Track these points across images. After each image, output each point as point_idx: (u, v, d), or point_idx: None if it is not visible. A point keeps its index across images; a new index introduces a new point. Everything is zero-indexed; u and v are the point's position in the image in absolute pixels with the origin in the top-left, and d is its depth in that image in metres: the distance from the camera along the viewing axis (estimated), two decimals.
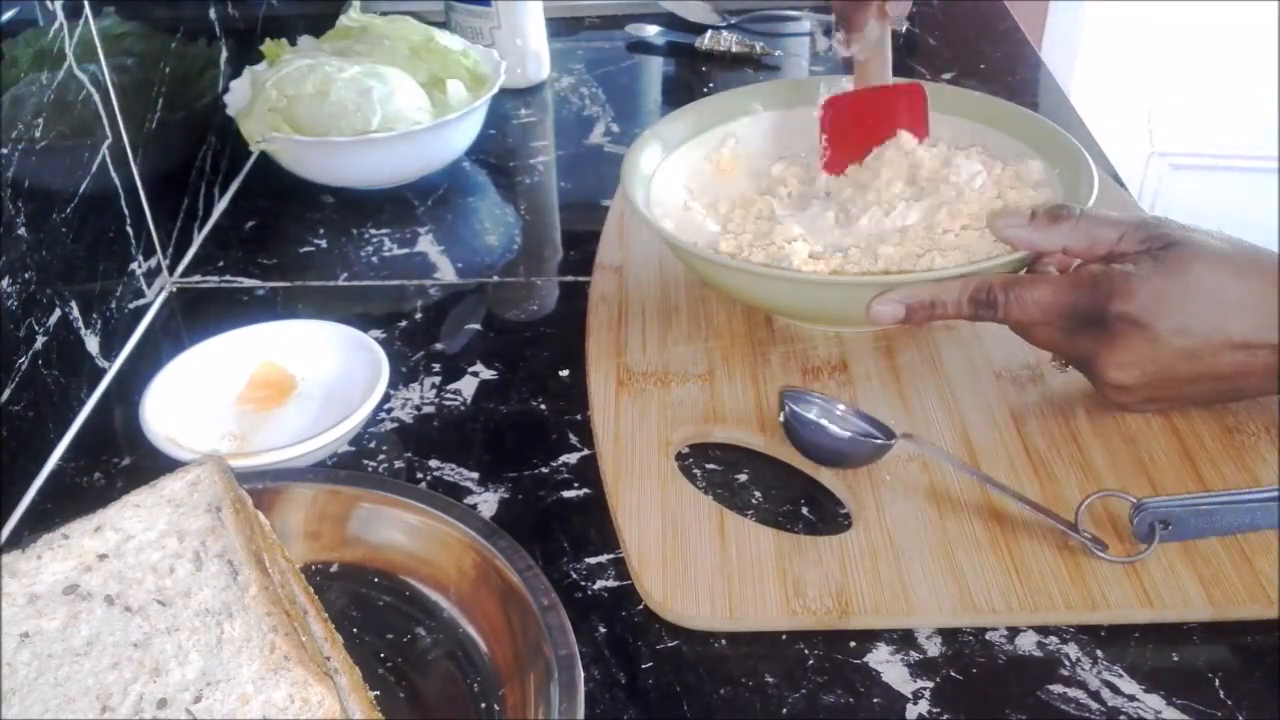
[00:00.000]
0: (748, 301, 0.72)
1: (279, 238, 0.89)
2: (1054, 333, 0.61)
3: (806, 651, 0.53)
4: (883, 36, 0.75)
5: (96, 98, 0.71)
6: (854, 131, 0.78)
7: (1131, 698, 0.50)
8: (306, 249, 0.87)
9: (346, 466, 0.64)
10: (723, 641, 0.54)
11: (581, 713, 0.45)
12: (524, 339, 0.75)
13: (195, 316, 0.80)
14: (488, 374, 0.72)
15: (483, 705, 0.49)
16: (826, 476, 0.62)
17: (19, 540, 0.51)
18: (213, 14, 0.91)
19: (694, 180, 0.79)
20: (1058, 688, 0.51)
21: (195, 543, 0.47)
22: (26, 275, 0.64)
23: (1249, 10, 1.59)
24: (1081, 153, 0.71)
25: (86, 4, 0.70)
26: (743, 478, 0.63)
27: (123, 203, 0.75)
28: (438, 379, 0.72)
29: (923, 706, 0.50)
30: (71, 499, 0.64)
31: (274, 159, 0.91)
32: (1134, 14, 1.63)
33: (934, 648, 0.53)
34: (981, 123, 0.79)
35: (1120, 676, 0.51)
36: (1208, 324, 0.56)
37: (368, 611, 0.54)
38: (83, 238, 0.70)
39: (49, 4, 0.66)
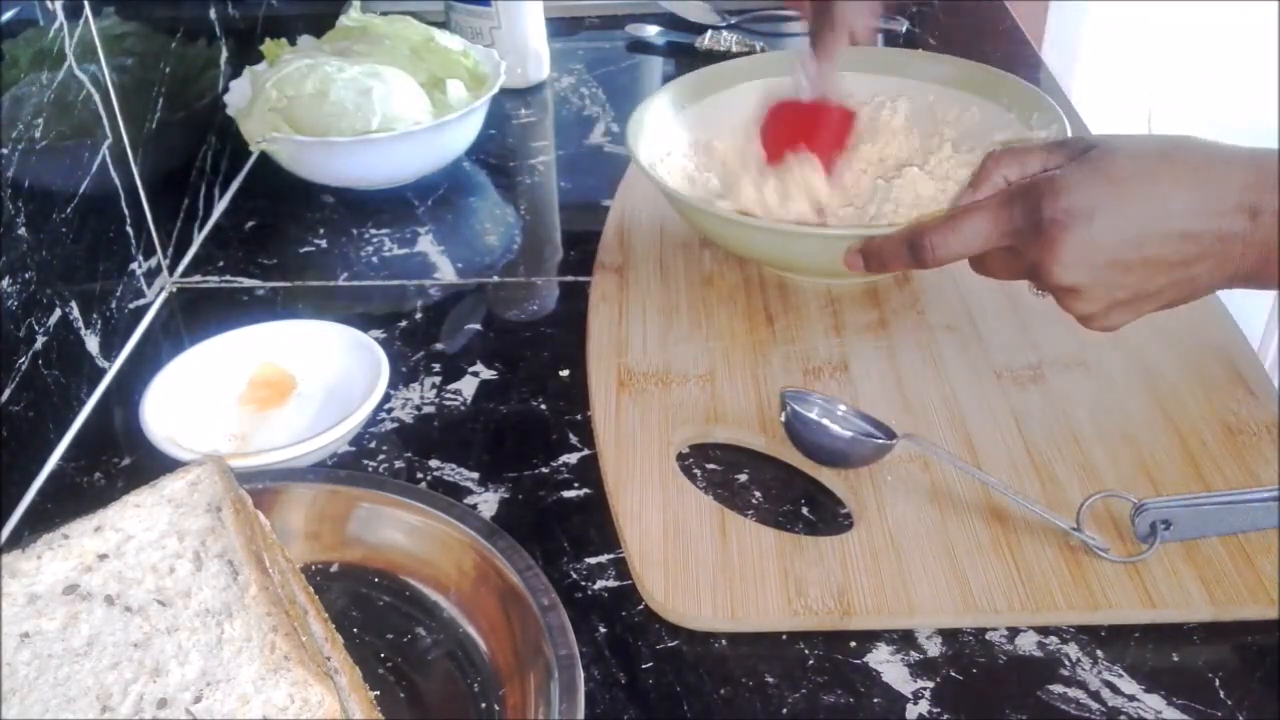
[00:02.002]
0: (742, 254, 0.78)
1: (279, 238, 0.89)
2: (1001, 256, 0.60)
3: (806, 651, 0.53)
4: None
5: (96, 98, 0.71)
6: (779, 136, 0.79)
7: (1132, 698, 0.50)
8: (306, 249, 0.87)
9: (346, 466, 0.64)
10: (723, 641, 0.54)
11: (581, 713, 0.45)
12: (524, 339, 0.75)
13: (195, 316, 0.80)
14: (488, 374, 0.72)
15: (483, 705, 0.49)
16: (827, 477, 0.62)
17: (19, 540, 0.51)
18: (213, 14, 0.91)
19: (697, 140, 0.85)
20: (1058, 688, 0.51)
21: (195, 543, 0.47)
22: (26, 275, 0.63)
23: (1249, 10, 1.59)
24: (1048, 101, 0.78)
25: (86, 4, 0.70)
26: (743, 478, 0.63)
27: (123, 203, 0.75)
28: (438, 379, 0.72)
29: (923, 706, 0.50)
30: (71, 499, 0.63)
31: (274, 159, 0.91)
32: (1134, 14, 1.63)
33: (934, 648, 0.53)
34: (957, 88, 0.84)
35: (1120, 676, 0.51)
36: (1143, 214, 0.54)
37: (368, 611, 0.54)
38: (83, 238, 0.70)
39: (49, 4, 0.66)
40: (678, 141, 0.83)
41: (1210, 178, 0.54)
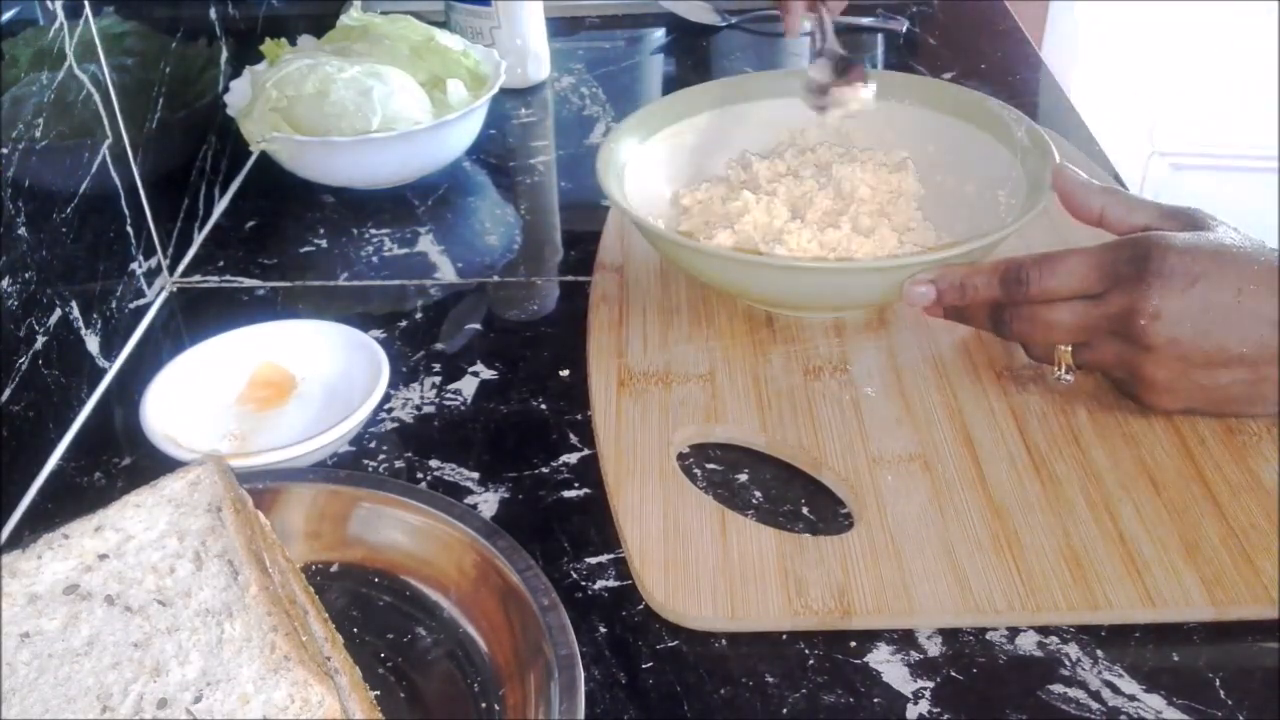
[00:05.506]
0: (737, 294, 0.74)
1: (279, 238, 0.89)
2: (1078, 319, 0.60)
3: (807, 651, 0.53)
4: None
5: (96, 98, 0.71)
6: None
7: (1132, 698, 0.50)
8: (306, 249, 0.87)
9: (346, 466, 0.64)
10: (723, 641, 0.54)
11: (581, 713, 0.45)
12: (524, 339, 0.75)
13: (195, 316, 0.80)
14: (488, 374, 0.72)
15: (483, 705, 0.49)
16: (828, 477, 0.62)
17: (19, 540, 0.51)
18: (213, 14, 0.91)
19: (673, 170, 0.82)
20: (1058, 688, 0.51)
21: (195, 543, 0.47)
22: (26, 275, 0.63)
23: (1249, 11, 1.59)
24: (1042, 136, 0.73)
25: (86, 4, 0.70)
26: (743, 478, 0.63)
27: (123, 203, 0.75)
28: (438, 379, 0.72)
29: (923, 706, 0.50)
30: (71, 499, 0.63)
31: (274, 159, 0.91)
32: (1134, 14, 1.63)
33: (934, 648, 0.53)
34: (949, 114, 0.81)
35: (1120, 676, 0.51)
36: (1236, 302, 0.56)
37: (368, 611, 0.54)
38: (83, 238, 0.70)
39: (49, 4, 0.66)
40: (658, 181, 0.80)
41: None
